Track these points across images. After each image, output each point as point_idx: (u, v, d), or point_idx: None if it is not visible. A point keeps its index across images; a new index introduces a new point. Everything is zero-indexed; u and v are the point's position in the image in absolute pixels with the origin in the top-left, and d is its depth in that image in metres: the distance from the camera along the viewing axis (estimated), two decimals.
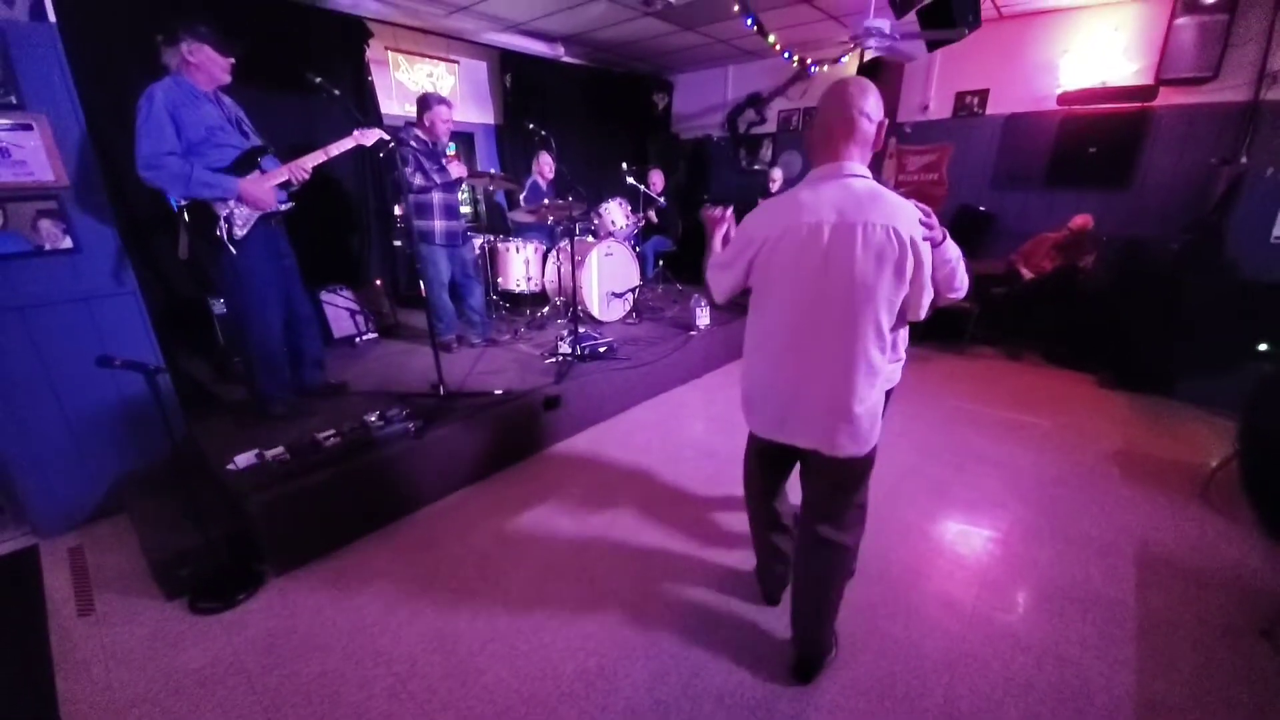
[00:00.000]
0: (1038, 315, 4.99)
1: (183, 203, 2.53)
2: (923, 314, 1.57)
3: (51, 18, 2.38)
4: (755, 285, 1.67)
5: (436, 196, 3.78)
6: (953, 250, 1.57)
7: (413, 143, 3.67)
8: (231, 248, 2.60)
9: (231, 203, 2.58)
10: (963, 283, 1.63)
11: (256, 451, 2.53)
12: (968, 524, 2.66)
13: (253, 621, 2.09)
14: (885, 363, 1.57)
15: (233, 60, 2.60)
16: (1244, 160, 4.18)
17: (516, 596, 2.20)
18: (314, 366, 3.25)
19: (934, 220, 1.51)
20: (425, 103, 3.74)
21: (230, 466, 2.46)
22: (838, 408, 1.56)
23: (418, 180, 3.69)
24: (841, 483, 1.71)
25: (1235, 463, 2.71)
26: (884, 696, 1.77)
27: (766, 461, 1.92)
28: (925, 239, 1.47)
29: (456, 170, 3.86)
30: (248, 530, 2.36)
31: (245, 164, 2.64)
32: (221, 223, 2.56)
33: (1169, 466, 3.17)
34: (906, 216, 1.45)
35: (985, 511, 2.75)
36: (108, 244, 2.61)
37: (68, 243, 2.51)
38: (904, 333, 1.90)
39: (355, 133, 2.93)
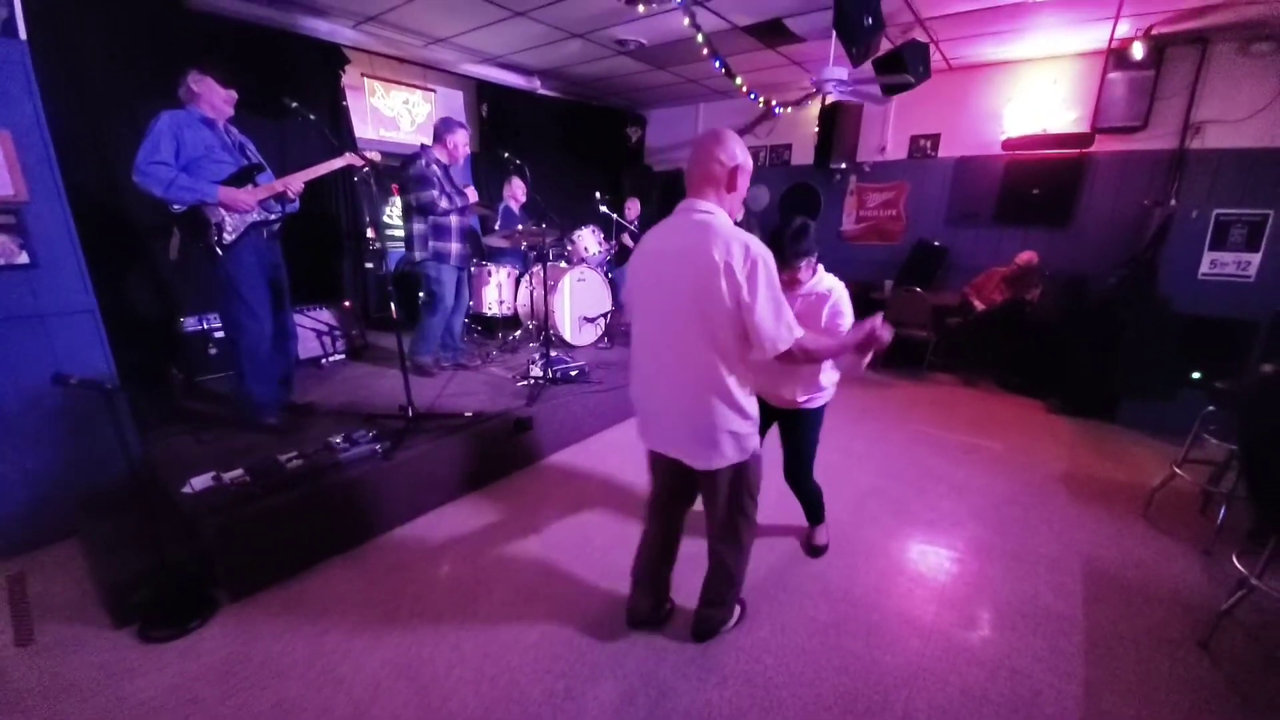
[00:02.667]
0: (990, 344, 5.24)
1: (178, 209, 2.67)
2: (769, 347, 1.60)
3: (22, 35, 2.38)
4: (627, 309, 1.87)
5: (455, 220, 3.85)
6: (774, 315, 1.58)
7: (434, 165, 3.73)
8: (219, 251, 2.74)
9: (221, 211, 2.73)
10: (769, 340, 1.60)
11: (214, 474, 2.47)
12: (927, 543, 2.75)
13: (207, 649, 2.01)
14: (734, 382, 1.68)
15: (234, 94, 2.81)
16: (1173, 203, 4.52)
17: (484, 619, 2.18)
18: (281, 384, 3.21)
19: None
20: (448, 126, 3.83)
21: (186, 489, 2.39)
22: (687, 422, 1.73)
23: (444, 204, 3.74)
24: (713, 496, 1.84)
25: (1236, 468, 2.77)
26: (846, 711, 1.80)
27: (659, 475, 2.03)
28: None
29: (473, 195, 3.96)
30: (203, 555, 2.29)
31: (240, 179, 2.80)
32: (213, 229, 2.71)
33: (1113, 487, 3.33)
34: (724, 245, 1.55)
35: (943, 530, 2.85)
36: (67, 260, 2.56)
37: (24, 258, 2.45)
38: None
39: (345, 154, 3.07)
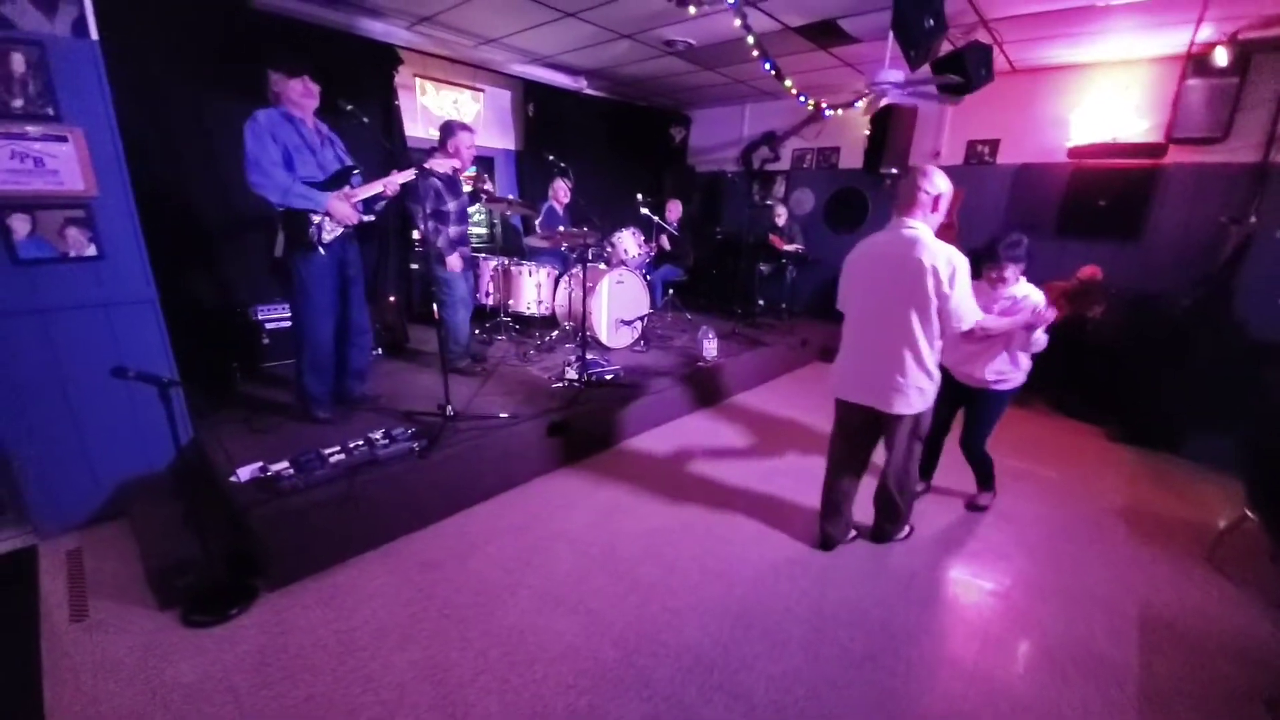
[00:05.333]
0: (1046, 364, 4.96)
1: (282, 208, 2.79)
2: (960, 325, 2.25)
3: (94, 35, 2.48)
4: (841, 295, 2.51)
5: (454, 229, 3.84)
6: (966, 304, 2.25)
7: (434, 177, 3.64)
8: (321, 250, 2.87)
9: (322, 214, 2.83)
10: (958, 321, 2.26)
11: (260, 464, 2.54)
12: (971, 576, 2.62)
13: (244, 637, 2.07)
14: (924, 352, 2.29)
15: (310, 83, 2.81)
16: (1253, 220, 4.20)
17: (512, 626, 2.18)
18: (356, 378, 3.32)
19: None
20: (450, 130, 3.71)
21: (233, 478, 2.47)
22: (887, 378, 2.34)
23: (423, 226, 3.60)
24: (892, 436, 2.48)
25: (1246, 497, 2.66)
26: None
27: (844, 426, 2.62)
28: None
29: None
30: (245, 543, 2.36)
31: (337, 181, 2.91)
32: (313, 228, 2.81)
33: (1176, 526, 3.12)
34: (930, 254, 2.18)
35: (989, 563, 2.72)
36: (132, 252, 2.68)
37: (92, 250, 2.57)
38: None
39: (433, 159, 3.34)
